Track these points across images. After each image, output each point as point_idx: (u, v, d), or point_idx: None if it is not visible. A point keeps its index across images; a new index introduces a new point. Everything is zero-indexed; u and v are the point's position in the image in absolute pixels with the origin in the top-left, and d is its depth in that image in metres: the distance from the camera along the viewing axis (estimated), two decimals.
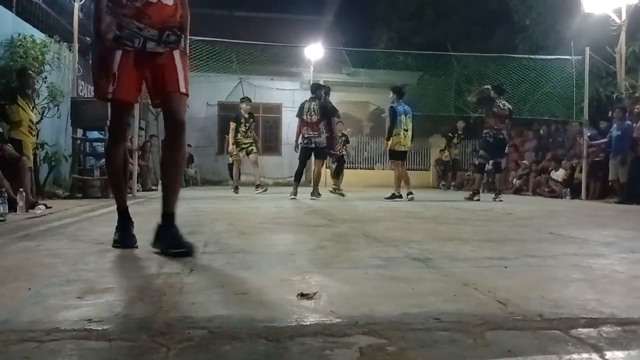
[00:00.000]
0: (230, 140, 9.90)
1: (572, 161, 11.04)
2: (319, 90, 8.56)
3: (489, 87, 9.19)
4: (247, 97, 10.30)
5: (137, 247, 2.78)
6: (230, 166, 10.77)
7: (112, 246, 2.77)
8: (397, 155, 8.73)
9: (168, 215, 2.69)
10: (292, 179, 9.35)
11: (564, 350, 1.26)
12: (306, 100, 8.48)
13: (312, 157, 8.65)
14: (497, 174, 9.64)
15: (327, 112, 8.43)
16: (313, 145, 8.26)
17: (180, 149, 2.76)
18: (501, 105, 8.71)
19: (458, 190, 13.62)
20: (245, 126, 9.88)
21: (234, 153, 9.93)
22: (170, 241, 2.59)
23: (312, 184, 8.65)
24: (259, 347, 1.26)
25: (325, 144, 8.50)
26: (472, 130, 17.27)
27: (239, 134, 9.84)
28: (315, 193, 8.25)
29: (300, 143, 8.38)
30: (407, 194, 8.32)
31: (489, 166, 12.57)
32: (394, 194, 8.44)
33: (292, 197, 7.96)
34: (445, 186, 14.90)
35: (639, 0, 10.15)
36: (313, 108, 8.25)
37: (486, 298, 1.76)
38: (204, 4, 17.94)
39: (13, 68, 6.84)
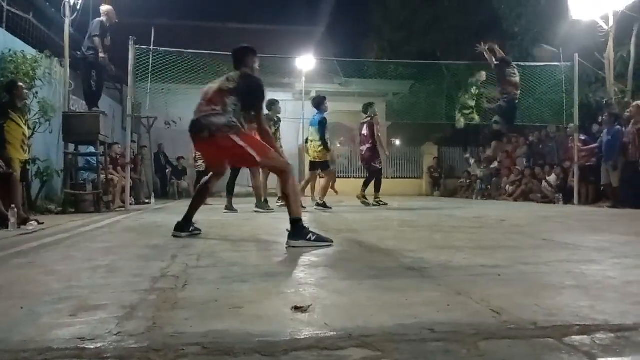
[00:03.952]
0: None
1: (564, 164, 11.11)
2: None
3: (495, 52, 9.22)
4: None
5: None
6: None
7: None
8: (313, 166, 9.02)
9: (291, 219, 3.56)
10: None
11: (557, 358, 1.27)
12: None
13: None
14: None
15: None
16: None
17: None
18: (513, 72, 8.85)
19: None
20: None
21: None
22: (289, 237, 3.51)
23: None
24: None
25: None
26: (462, 136, 17.38)
27: None
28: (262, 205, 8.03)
29: None
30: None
31: (480, 172, 12.57)
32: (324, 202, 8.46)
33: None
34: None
35: (626, 7, 10.27)
36: None
37: (480, 307, 1.76)
38: (196, 16, 18.05)
39: (3, 84, 6.82)
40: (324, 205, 8.26)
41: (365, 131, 9.50)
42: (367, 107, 9.71)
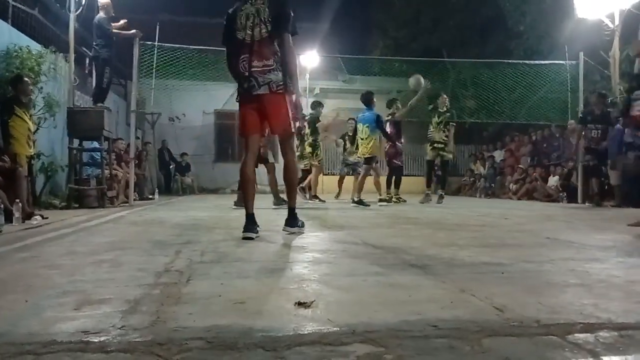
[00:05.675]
0: None
1: (568, 163, 11.07)
2: None
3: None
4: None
5: (258, 234, 3.71)
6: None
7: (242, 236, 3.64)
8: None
9: (289, 208, 3.89)
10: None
11: (561, 356, 1.27)
12: None
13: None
14: None
15: None
16: None
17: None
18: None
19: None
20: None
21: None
22: (285, 223, 3.91)
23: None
24: (256, 357, 1.25)
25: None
26: (467, 134, 17.32)
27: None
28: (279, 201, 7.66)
29: None
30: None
31: (483, 172, 12.44)
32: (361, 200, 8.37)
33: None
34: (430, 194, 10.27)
35: (632, 5, 10.21)
36: None
37: (483, 304, 1.76)
38: (200, 12, 18.03)
39: (9, 78, 6.84)
40: (360, 202, 8.17)
41: (390, 128, 9.45)
42: (391, 102, 9.77)
